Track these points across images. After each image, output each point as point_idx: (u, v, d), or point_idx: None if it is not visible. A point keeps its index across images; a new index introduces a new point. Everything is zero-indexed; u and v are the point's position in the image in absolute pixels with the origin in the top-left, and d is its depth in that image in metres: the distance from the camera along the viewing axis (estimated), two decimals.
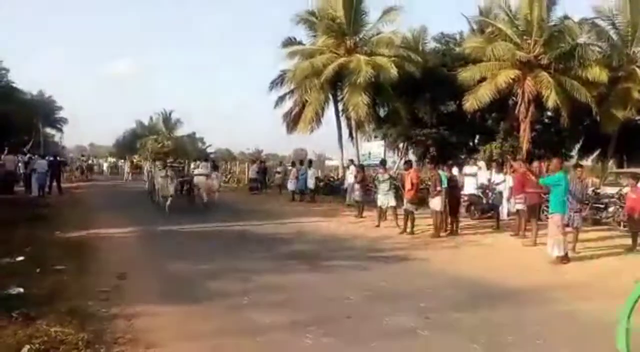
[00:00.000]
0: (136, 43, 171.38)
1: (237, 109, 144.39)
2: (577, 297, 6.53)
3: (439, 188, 11.73)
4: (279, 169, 25.36)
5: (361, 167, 17.11)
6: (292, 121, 26.48)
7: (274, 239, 10.94)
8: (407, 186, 12.19)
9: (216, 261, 8.17)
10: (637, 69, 22.32)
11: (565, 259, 8.83)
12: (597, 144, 26.86)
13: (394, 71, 22.09)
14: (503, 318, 5.59)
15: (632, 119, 24.42)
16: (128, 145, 52.00)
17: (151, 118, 55.60)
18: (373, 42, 24.41)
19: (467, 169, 16.44)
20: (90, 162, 42.60)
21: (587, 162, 27.74)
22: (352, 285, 6.96)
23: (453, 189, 12.41)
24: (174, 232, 11.59)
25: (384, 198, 13.18)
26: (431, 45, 28.24)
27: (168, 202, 15.02)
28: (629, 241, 10.37)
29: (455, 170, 14.83)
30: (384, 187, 13.27)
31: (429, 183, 12.86)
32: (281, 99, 26.67)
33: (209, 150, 50.01)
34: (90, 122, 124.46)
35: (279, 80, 26.22)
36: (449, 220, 12.40)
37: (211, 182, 16.58)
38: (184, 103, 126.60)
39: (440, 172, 12.36)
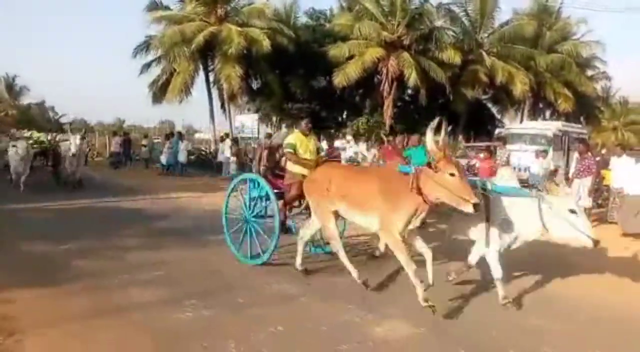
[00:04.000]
0: None
1: (95, 75, 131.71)
2: None
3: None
4: (144, 142, 23.97)
5: (235, 141, 16.96)
6: (159, 91, 25.17)
7: (148, 216, 10.36)
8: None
9: (83, 240, 7.56)
10: (484, 53, 24.86)
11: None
12: (450, 121, 29.54)
13: (266, 43, 21.99)
14: (376, 279, 6.04)
15: (479, 98, 27.37)
16: None
17: None
18: (244, 13, 23.99)
19: (337, 143, 17.19)
20: None
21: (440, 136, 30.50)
22: (233, 258, 6.97)
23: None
24: (31, 209, 10.51)
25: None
26: (302, 20, 28.53)
27: (22, 179, 13.21)
28: None
29: (324, 144, 15.47)
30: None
31: None
32: (147, 66, 25.13)
33: (62, 120, 45.47)
34: None
35: (144, 46, 24.62)
36: None
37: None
38: (31, 67, 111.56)
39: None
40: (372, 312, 4.90)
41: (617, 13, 76.75)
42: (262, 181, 6.52)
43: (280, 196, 6.52)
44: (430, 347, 4.22)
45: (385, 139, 14.25)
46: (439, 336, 4.41)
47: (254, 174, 7.16)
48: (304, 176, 6.26)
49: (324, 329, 4.48)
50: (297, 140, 6.51)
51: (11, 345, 3.94)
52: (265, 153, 8.09)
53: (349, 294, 5.41)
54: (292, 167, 6.49)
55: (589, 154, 10.85)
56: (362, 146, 15.45)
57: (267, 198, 6.51)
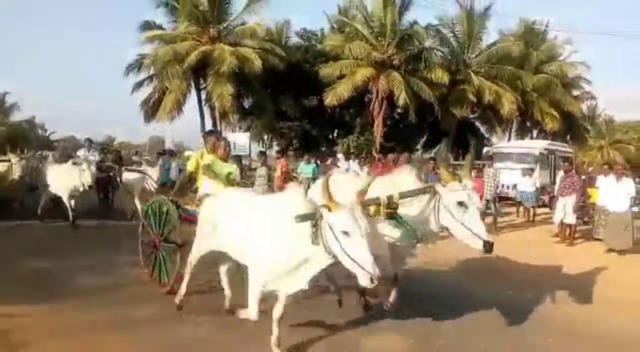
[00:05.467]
0: None
1: (84, 92, 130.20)
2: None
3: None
4: (135, 159, 23.94)
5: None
6: (151, 109, 25.32)
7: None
8: (277, 173, 12.69)
9: (84, 257, 7.57)
10: (471, 73, 25.37)
11: None
12: (439, 139, 30.03)
13: (258, 63, 22.28)
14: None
15: (467, 117, 27.86)
16: None
17: None
18: (237, 33, 24.33)
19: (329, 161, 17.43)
20: None
21: (430, 154, 30.90)
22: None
23: None
24: (29, 226, 10.46)
25: (259, 188, 13.16)
26: (294, 40, 28.97)
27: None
28: None
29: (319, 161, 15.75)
30: (260, 176, 13.28)
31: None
32: (139, 84, 25.31)
33: (52, 137, 45.34)
34: None
35: (137, 65, 24.84)
36: None
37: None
38: (19, 84, 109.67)
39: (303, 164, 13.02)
40: (363, 325, 5.04)
41: (601, 36, 78.73)
42: None
43: None
44: None
45: (376, 156, 14.54)
46: (429, 347, 4.56)
47: None
48: None
49: (317, 341, 4.61)
50: None
51: None
52: None
53: (340, 309, 5.54)
54: None
55: (573, 172, 11.17)
56: (354, 164, 15.71)
57: None
